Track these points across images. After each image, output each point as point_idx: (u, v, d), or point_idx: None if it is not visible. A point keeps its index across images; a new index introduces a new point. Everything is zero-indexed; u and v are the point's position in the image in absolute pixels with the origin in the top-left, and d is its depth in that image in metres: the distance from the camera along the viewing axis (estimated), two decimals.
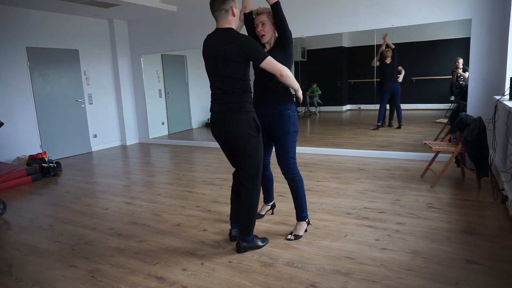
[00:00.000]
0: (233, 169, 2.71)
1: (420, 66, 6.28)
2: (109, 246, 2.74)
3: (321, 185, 4.01)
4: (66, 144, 6.44)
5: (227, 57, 2.28)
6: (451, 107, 5.66)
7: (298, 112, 7.67)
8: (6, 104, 5.56)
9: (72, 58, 6.49)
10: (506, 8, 4.01)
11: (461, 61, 5.38)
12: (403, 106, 6.58)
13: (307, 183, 4.07)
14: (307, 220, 2.78)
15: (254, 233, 2.56)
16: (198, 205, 3.57)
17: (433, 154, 4.14)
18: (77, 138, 6.65)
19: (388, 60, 5.82)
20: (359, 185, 3.92)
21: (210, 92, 2.48)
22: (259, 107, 2.57)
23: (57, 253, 2.67)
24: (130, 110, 7.58)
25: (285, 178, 2.69)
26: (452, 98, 5.73)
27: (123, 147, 7.27)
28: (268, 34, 2.56)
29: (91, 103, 6.86)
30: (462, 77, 5.37)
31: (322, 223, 2.96)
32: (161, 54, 7.48)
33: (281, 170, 2.67)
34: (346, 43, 6.66)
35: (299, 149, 5.83)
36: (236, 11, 2.37)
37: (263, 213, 3.17)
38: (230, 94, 2.35)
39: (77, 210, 3.64)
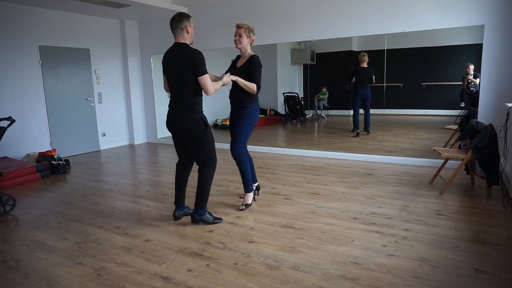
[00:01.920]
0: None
1: (430, 72, 6.24)
2: (116, 245, 2.76)
3: (328, 189, 3.99)
4: (75, 142, 6.50)
5: (180, 66, 2.78)
6: (461, 114, 5.61)
7: (305, 115, 7.65)
8: (18, 101, 5.64)
9: (83, 57, 6.56)
10: None
11: (471, 67, 5.33)
12: (413, 111, 6.54)
13: (314, 187, 4.06)
14: (253, 191, 3.55)
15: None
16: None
17: (442, 161, 4.10)
18: (86, 136, 6.71)
19: (364, 65, 5.93)
20: (366, 190, 3.89)
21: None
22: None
23: (64, 250, 2.70)
24: (139, 109, 7.63)
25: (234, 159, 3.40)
26: (463, 104, 5.68)
27: (131, 146, 7.32)
28: (243, 44, 3.27)
29: (100, 102, 6.93)
30: (472, 83, 5.32)
31: (328, 227, 2.95)
32: None
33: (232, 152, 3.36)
34: (355, 47, 6.64)
35: (306, 153, 5.82)
36: (190, 29, 2.86)
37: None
38: (182, 97, 2.86)
39: (85, 208, 3.67)
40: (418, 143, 5.91)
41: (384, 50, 5.50)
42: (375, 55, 5.85)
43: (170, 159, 6.11)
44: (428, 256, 2.42)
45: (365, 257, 2.43)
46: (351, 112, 7.28)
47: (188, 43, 2.87)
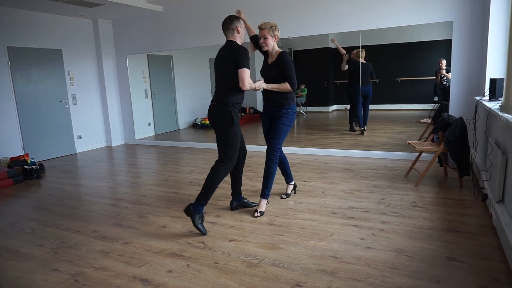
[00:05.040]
0: None
1: (405, 67, 6.38)
2: (93, 249, 2.70)
3: (307, 185, 4.03)
4: (49, 146, 6.32)
5: (224, 59, 2.92)
6: (434, 108, 5.78)
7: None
8: None
9: (55, 58, 6.37)
10: (486, 11, 4.10)
11: (444, 62, 5.49)
12: (388, 106, 6.68)
13: None
14: (267, 200, 3.30)
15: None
16: (184, 206, 3.54)
17: (417, 154, 4.21)
18: (61, 139, 6.53)
19: (363, 61, 5.87)
20: (345, 185, 3.96)
21: None
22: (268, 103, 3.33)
23: (39, 257, 2.62)
24: (115, 110, 7.48)
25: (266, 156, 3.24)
26: (436, 98, 5.85)
27: (109, 148, 7.18)
28: (269, 46, 3.19)
29: (75, 104, 6.76)
30: (445, 77, 5.48)
31: (308, 223, 2.98)
32: (147, 54, 7.40)
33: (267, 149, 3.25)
34: (332, 44, 6.72)
35: (286, 149, 5.82)
36: (241, 29, 3.02)
37: (289, 192, 3.66)
38: (219, 89, 2.97)
39: (61, 213, 3.57)
40: (395, 137, 6.05)
41: (359, 46, 5.60)
42: (351, 52, 5.94)
43: (149, 160, 6.02)
44: (404, 247, 2.49)
45: (343, 250, 2.48)
46: (330, 108, 7.38)
47: (238, 42, 2.97)
